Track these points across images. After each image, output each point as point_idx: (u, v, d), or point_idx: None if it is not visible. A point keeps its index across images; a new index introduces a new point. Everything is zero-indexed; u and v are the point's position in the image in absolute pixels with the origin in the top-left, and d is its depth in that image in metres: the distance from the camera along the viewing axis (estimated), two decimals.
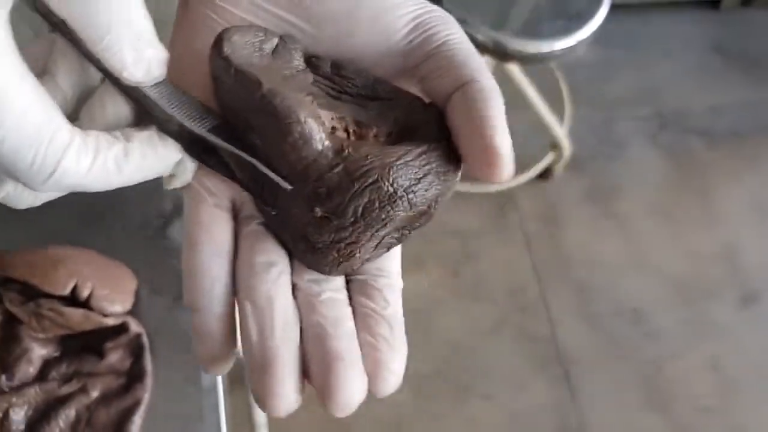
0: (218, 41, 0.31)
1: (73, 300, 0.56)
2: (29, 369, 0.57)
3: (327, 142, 0.29)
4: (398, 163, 0.28)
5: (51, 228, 0.65)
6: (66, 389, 0.57)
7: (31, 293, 0.55)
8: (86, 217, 0.64)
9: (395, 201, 0.28)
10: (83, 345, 0.58)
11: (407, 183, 0.28)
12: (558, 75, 1.63)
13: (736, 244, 1.59)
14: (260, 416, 1.13)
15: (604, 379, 1.42)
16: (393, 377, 0.28)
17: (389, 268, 0.30)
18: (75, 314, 0.55)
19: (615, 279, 1.52)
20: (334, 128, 0.30)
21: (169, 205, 0.66)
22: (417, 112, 0.31)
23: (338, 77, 0.32)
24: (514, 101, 1.54)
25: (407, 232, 0.30)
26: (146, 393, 0.57)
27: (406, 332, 0.29)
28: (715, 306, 1.52)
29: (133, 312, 0.59)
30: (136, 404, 0.56)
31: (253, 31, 0.31)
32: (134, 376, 0.57)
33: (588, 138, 1.68)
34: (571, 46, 1.29)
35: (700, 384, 1.44)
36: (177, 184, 0.30)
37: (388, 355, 0.28)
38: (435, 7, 0.31)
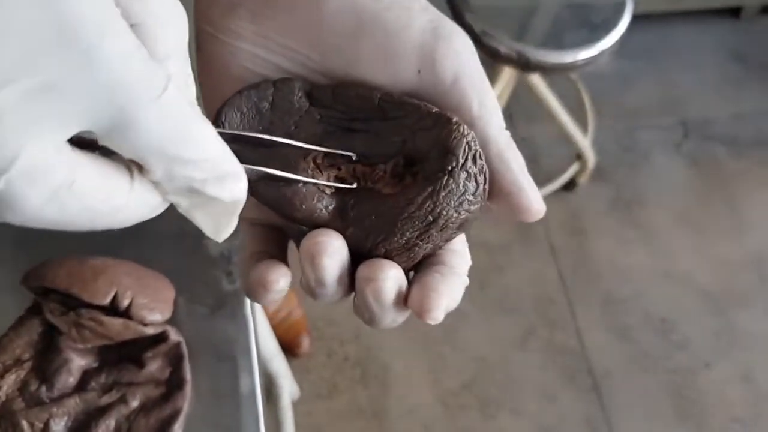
0: (214, 123, 0.30)
1: (113, 310, 0.56)
2: (69, 379, 0.57)
3: (330, 206, 0.30)
4: (402, 217, 0.29)
5: (90, 239, 0.65)
6: (106, 399, 0.57)
7: (72, 304, 0.56)
8: (125, 228, 0.65)
9: (411, 249, 0.29)
10: (122, 355, 0.58)
11: (417, 233, 0.29)
12: (580, 85, 1.63)
13: (764, 253, 1.57)
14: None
15: (634, 391, 1.41)
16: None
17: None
18: (115, 324, 0.56)
19: (643, 289, 1.51)
20: (341, 179, 0.30)
21: None
22: (425, 129, 0.30)
23: (342, 105, 0.31)
24: (538, 112, 1.54)
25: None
26: (185, 402, 0.57)
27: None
28: (745, 315, 1.50)
29: (171, 321, 0.59)
30: (176, 413, 0.56)
31: (245, 97, 0.31)
32: (173, 385, 0.57)
33: (612, 148, 1.67)
34: (594, 56, 1.29)
35: (732, 395, 1.42)
36: (224, 234, 0.26)
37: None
38: (443, 22, 0.30)
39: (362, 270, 0.28)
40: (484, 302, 1.46)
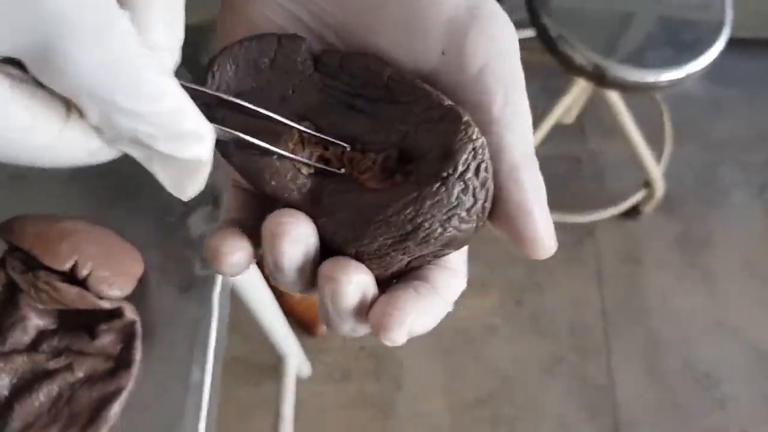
0: (205, 72, 0.28)
1: (72, 277, 0.55)
2: (23, 338, 0.56)
3: (305, 188, 0.27)
4: (377, 219, 0.25)
5: (79, 200, 0.65)
6: (53, 364, 0.56)
7: (33, 263, 0.55)
8: (116, 194, 0.64)
9: (383, 257, 0.25)
10: (80, 322, 0.57)
11: (390, 241, 0.25)
12: (664, 107, 1.52)
13: None
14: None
15: None
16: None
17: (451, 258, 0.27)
18: (70, 292, 0.54)
19: (690, 336, 1.41)
20: (326, 160, 0.27)
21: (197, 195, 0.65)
22: (430, 122, 0.26)
23: (348, 77, 0.27)
24: (610, 129, 1.45)
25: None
26: (130, 382, 0.55)
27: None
28: None
29: (134, 298, 0.58)
30: (118, 391, 0.55)
31: (245, 48, 0.28)
32: (122, 362, 0.56)
33: (686, 180, 1.56)
34: (680, 79, 1.19)
35: None
36: (189, 193, 0.25)
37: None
38: (485, 2, 0.26)
39: (325, 267, 0.25)
40: (516, 319, 1.40)
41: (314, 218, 0.26)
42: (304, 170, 0.27)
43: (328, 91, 0.28)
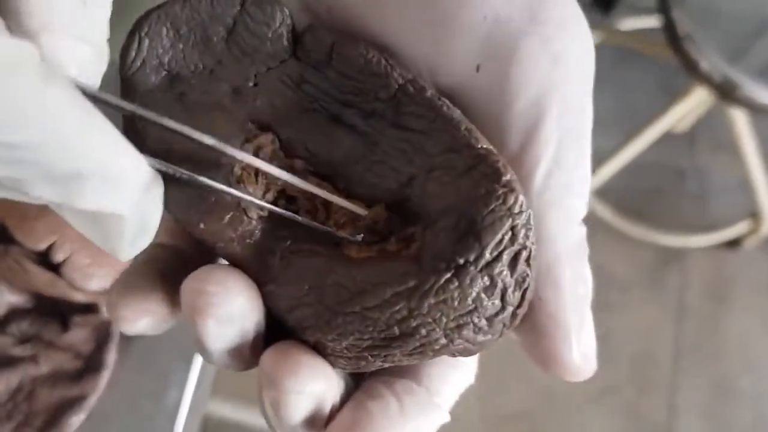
0: (128, 38, 0.19)
1: (47, 260, 0.47)
2: None
3: (251, 238, 0.19)
4: (350, 311, 0.17)
5: None
6: (19, 351, 0.49)
7: (6, 237, 0.47)
8: None
9: (354, 359, 0.18)
10: (54, 307, 0.50)
11: (368, 343, 0.17)
12: None
13: None
14: None
15: None
16: None
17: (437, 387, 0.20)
18: (41, 276, 0.47)
19: (767, 392, 1.26)
20: (290, 197, 0.19)
21: None
22: (450, 172, 0.18)
23: (339, 75, 0.19)
24: (725, 147, 1.28)
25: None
26: (95, 391, 0.48)
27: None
28: None
29: None
30: (81, 399, 0.48)
31: (189, 7, 0.19)
32: (91, 364, 0.49)
33: None
34: None
35: None
36: (125, 252, 0.18)
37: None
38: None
39: (267, 361, 0.18)
40: None
41: (259, 283, 0.19)
42: (253, 211, 0.19)
43: (307, 90, 0.19)
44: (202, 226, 0.19)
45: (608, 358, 1.27)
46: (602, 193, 1.26)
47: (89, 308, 0.49)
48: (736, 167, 1.25)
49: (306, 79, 0.19)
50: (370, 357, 0.18)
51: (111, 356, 0.49)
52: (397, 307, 0.17)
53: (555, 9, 0.18)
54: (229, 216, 0.19)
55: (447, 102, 0.18)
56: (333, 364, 0.18)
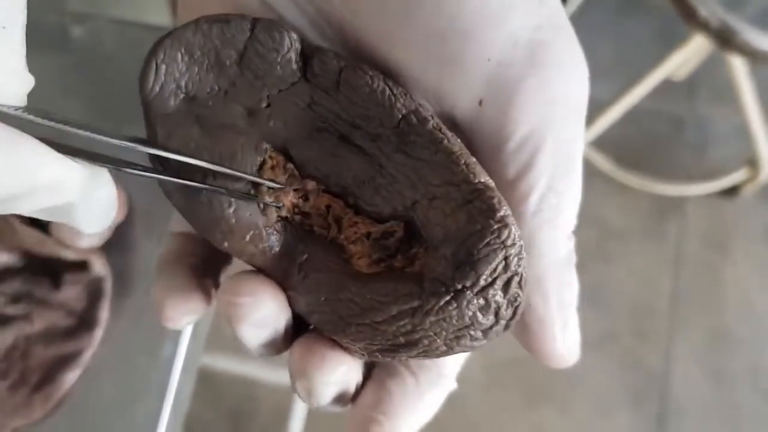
0: (145, 64, 0.21)
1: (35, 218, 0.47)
2: None
3: (273, 250, 0.21)
4: (361, 323, 0.20)
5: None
6: (11, 310, 0.49)
7: None
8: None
9: (367, 354, 0.22)
10: (45, 265, 0.50)
11: (377, 347, 0.21)
12: None
13: None
14: None
15: None
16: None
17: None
18: (29, 235, 0.47)
19: (764, 341, 1.27)
20: (304, 213, 0.21)
21: None
22: (449, 203, 0.19)
23: (347, 101, 0.20)
24: (723, 95, 1.27)
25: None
26: (91, 347, 0.49)
27: None
28: None
29: (113, 247, 0.50)
30: (76, 355, 0.49)
31: (202, 33, 0.20)
32: (85, 321, 0.49)
33: None
34: None
35: None
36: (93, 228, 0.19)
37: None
38: (553, 39, 0.19)
39: (297, 355, 0.21)
40: None
41: (283, 287, 0.21)
42: (273, 225, 0.21)
43: (317, 111, 0.21)
44: (226, 245, 0.21)
45: (607, 306, 1.28)
46: (600, 142, 1.25)
47: (80, 265, 0.49)
48: (733, 115, 1.24)
49: (316, 101, 0.21)
50: (380, 356, 0.21)
51: (104, 313, 0.49)
52: (402, 322, 0.19)
53: (555, 52, 0.19)
54: (249, 235, 0.21)
55: (448, 135, 0.20)
56: (351, 355, 0.21)
